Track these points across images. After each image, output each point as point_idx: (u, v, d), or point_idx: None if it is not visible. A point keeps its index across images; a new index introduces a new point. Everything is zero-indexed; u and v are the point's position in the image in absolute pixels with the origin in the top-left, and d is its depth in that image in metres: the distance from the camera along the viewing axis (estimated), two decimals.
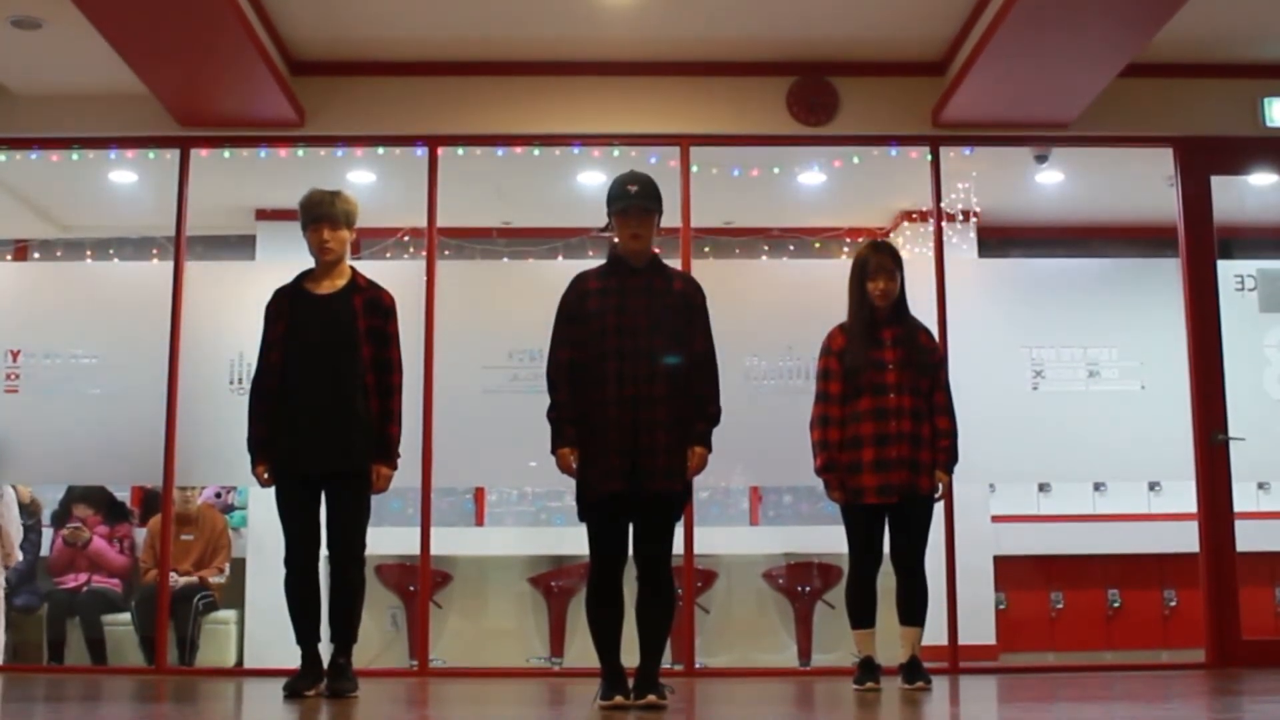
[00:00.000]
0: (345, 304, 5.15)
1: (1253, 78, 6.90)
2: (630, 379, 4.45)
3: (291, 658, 5.11)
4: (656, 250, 4.72)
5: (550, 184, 7.91)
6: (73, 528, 7.69)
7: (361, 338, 5.10)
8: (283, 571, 5.09)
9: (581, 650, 7.40)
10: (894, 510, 5.39)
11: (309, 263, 5.30)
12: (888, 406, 5.33)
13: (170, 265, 6.92)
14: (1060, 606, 8.49)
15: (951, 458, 5.44)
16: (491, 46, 6.74)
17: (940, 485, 5.41)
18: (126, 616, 7.45)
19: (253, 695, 5.59)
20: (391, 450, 5.15)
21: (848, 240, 8.94)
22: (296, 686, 4.95)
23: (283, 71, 6.59)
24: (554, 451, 4.57)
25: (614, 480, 4.41)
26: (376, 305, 5.19)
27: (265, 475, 5.10)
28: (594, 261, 4.80)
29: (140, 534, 7.95)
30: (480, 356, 6.87)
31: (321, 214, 5.15)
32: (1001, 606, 8.33)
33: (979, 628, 7.59)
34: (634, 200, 4.57)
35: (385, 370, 5.16)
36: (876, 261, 5.44)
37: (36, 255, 8.84)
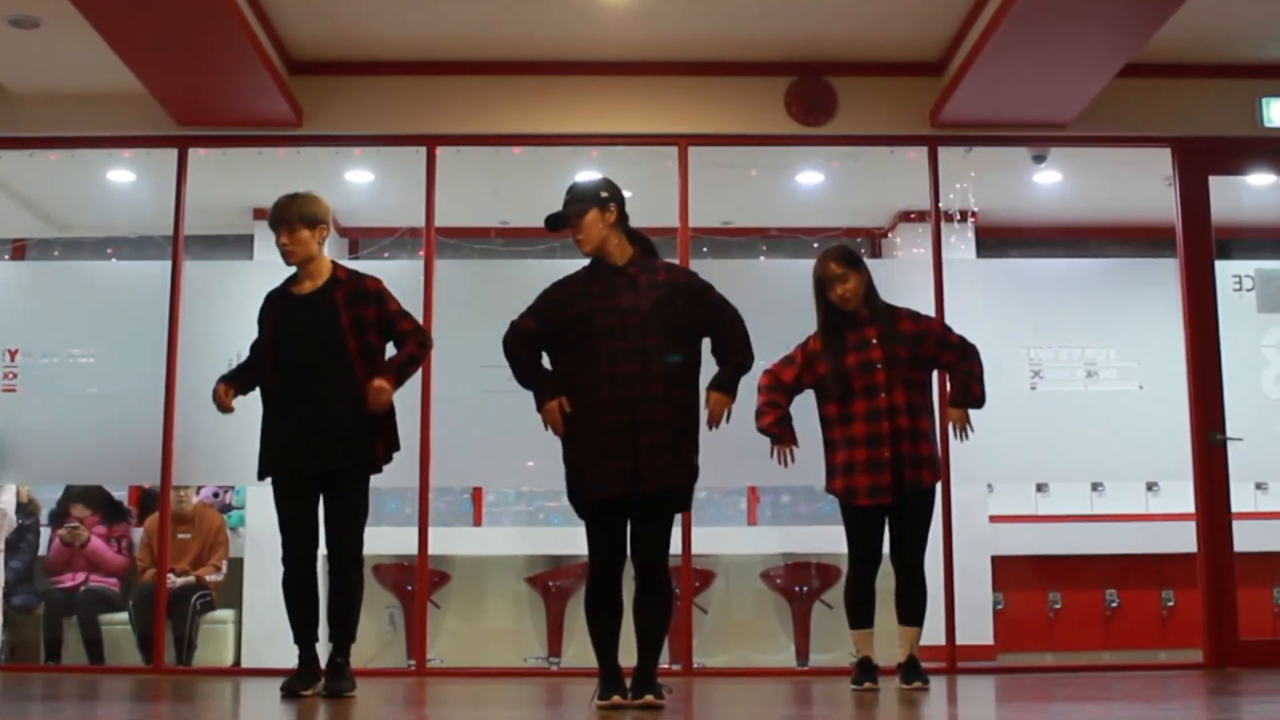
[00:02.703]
0: (326, 300, 5.14)
1: (1251, 78, 6.90)
2: (625, 381, 4.40)
3: (289, 657, 5.11)
4: (632, 248, 4.65)
5: (548, 184, 7.88)
6: (70, 528, 7.69)
7: (347, 332, 5.09)
8: (280, 571, 5.09)
9: (579, 650, 7.40)
10: (892, 510, 5.39)
11: None
12: (879, 407, 5.32)
13: (168, 265, 6.92)
14: (1058, 606, 8.49)
15: (970, 395, 5.44)
16: (489, 46, 6.74)
17: (934, 483, 5.39)
18: (124, 616, 7.44)
19: (250, 695, 5.58)
20: (393, 367, 5.11)
21: (846, 240, 8.95)
22: (293, 686, 4.94)
23: (281, 71, 6.59)
24: (541, 408, 4.53)
25: (612, 485, 4.38)
26: (359, 295, 5.17)
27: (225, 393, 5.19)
28: None
29: (138, 533, 7.95)
30: (478, 356, 6.84)
31: (277, 218, 5.17)
32: (999, 606, 8.33)
33: (977, 628, 7.59)
34: (561, 211, 4.64)
35: (392, 341, 5.20)
36: (823, 271, 5.43)
37: (34, 254, 8.85)
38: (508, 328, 4.64)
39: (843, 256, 5.46)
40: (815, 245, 8.62)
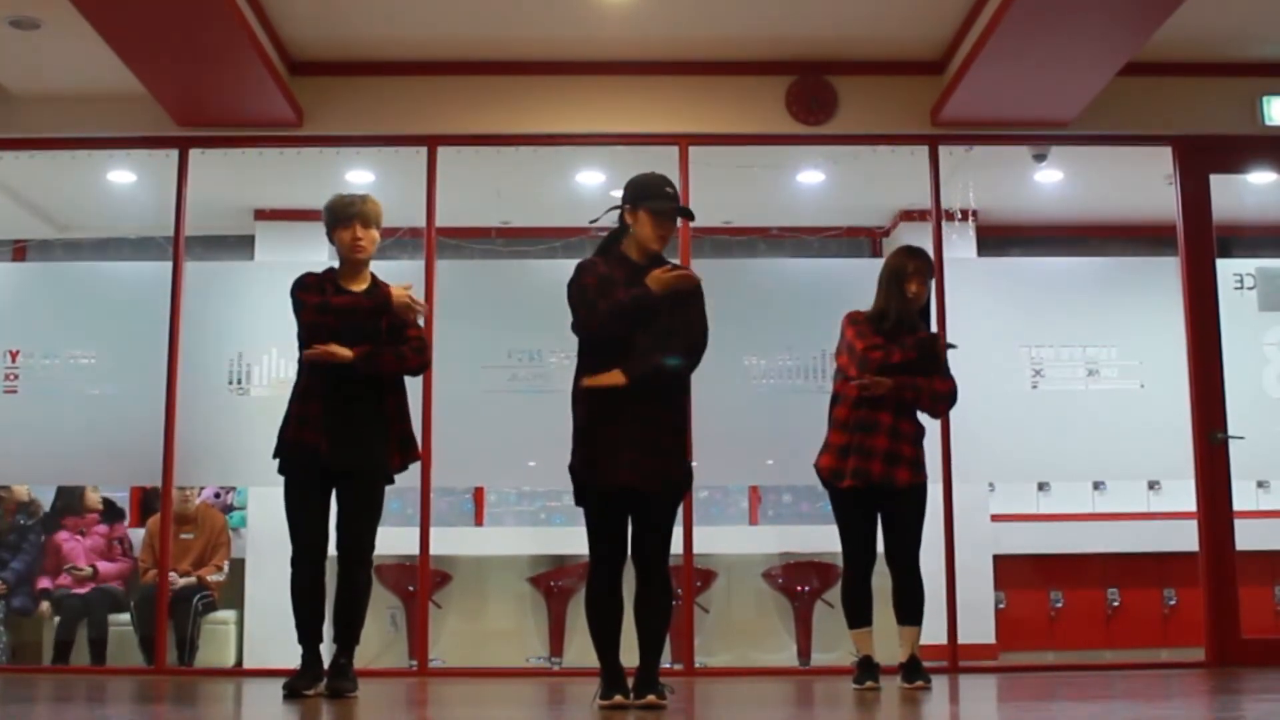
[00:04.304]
0: (369, 303, 5.15)
1: (1251, 76, 6.90)
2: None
3: (291, 658, 5.10)
4: None
5: (549, 184, 7.91)
6: (70, 569, 7.64)
7: (383, 336, 5.13)
8: (282, 571, 5.08)
9: (581, 650, 7.40)
10: (883, 507, 5.40)
11: (308, 263, 5.32)
12: (883, 397, 5.35)
13: (169, 265, 6.91)
14: (1060, 605, 8.49)
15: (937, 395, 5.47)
16: (490, 46, 6.73)
17: (909, 484, 5.39)
18: (126, 616, 7.45)
19: (252, 695, 5.58)
20: (367, 351, 5.05)
21: (847, 239, 8.95)
22: (296, 686, 4.94)
23: (281, 71, 6.59)
24: (648, 292, 4.44)
25: (620, 474, 4.40)
26: (387, 306, 5.20)
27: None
28: None
29: (134, 533, 7.95)
30: (479, 356, 6.87)
31: (354, 213, 5.19)
32: (1001, 605, 8.33)
33: (978, 627, 7.59)
34: (673, 202, 4.61)
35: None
36: (915, 265, 5.49)
37: (35, 255, 8.85)
38: (586, 319, 4.52)
39: (928, 259, 5.57)
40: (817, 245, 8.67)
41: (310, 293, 5.14)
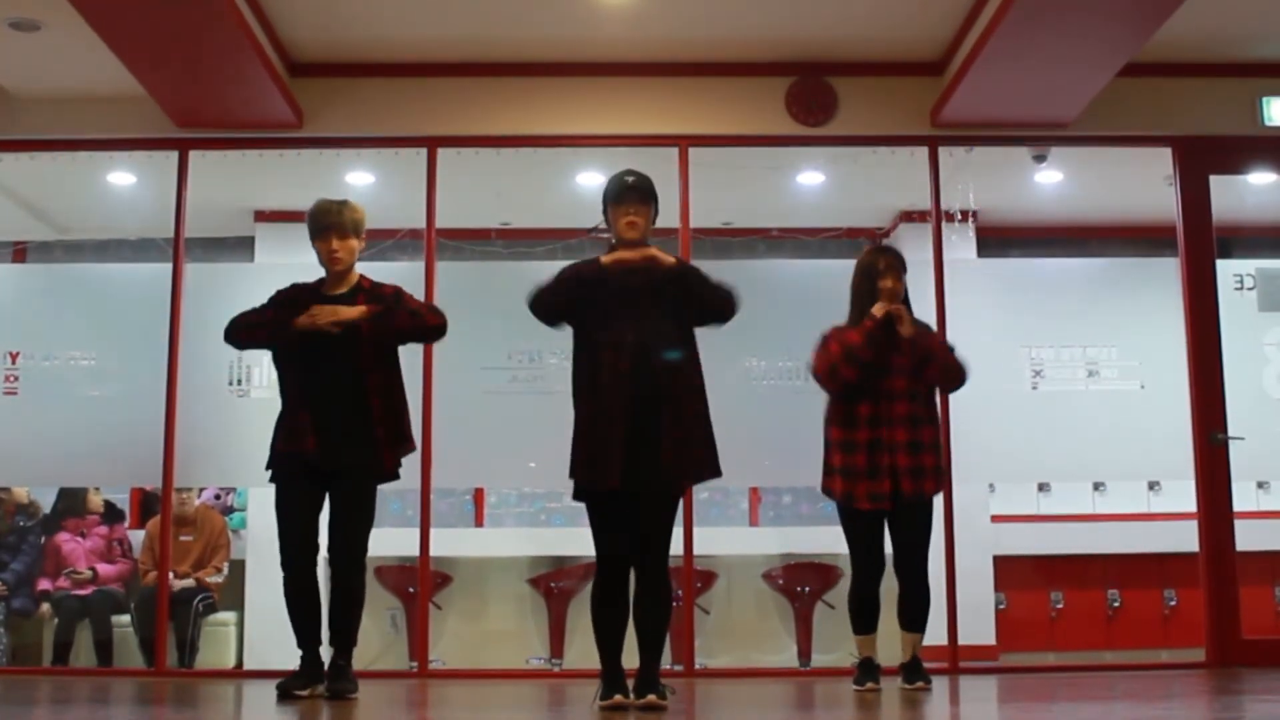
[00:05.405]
0: (350, 305, 5.16)
1: (1251, 77, 6.90)
2: (630, 376, 4.43)
3: (291, 659, 5.10)
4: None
5: (549, 185, 7.91)
6: (69, 572, 7.64)
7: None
8: (282, 573, 5.08)
9: (581, 651, 7.40)
10: (892, 517, 5.38)
11: (308, 264, 5.32)
12: (887, 414, 5.29)
13: (169, 267, 6.91)
14: (1060, 606, 8.49)
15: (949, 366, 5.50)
16: (490, 47, 6.74)
17: (935, 494, 5.37)
18: (126, 618, 7.45)
19: (252, 697, 5.58)
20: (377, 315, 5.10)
21: (847, 240, 8.95)
22: (289, 686, 4.92)
23: (281, 73, 6.59)
24: (589, 263, 4.56)
25: (614, 476, 4.40)
26: (379, 301, 5.20)
27: None
28: None
29: (134, 535, 7.95)
30: (479, 357, 6.86)
31: (329, 223, 5.16)
32: (1001, 606, 8.33)
33: (979, 628, 7.59)
34: (630, 188, 4.61)
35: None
36: (886, 262, 5.43)
37: (35, 257, 8.85)
38: (542, 287, 4.65)
39: (898, 254, 5.50)
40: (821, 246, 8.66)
41: (277, 304, 5.16)
